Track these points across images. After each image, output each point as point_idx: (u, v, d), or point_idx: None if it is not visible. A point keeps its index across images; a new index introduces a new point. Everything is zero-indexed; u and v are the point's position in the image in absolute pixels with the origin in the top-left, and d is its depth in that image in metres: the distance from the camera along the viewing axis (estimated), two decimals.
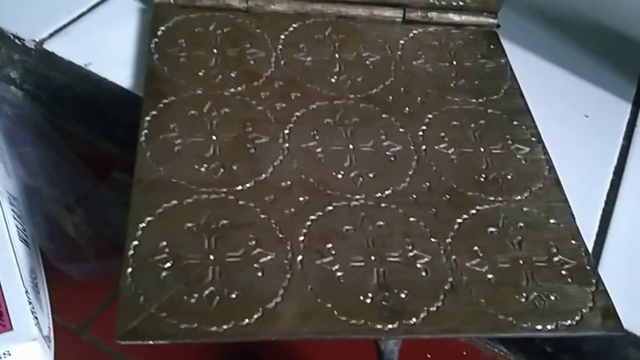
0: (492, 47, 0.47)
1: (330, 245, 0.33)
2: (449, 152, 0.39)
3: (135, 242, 0.31)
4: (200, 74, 0.40)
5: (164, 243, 0.31)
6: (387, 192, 0.36)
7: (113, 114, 0.42)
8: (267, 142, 0.37)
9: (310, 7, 0.46)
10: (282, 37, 0.44)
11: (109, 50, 0.41)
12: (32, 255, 0.35)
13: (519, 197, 0.37)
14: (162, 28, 0.42)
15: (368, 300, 0.31)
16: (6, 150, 0.38)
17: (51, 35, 0.41)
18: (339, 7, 0.46)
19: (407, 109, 0.41)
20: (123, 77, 0.40)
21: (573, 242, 0.35)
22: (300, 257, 0.32)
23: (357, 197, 0.36)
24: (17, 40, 0.41)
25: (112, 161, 0.42)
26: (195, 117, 0.38)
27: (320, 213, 0.34)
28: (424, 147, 0.39)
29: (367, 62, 0.44)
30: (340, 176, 0.37)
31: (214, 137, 0.37)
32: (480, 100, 0.43)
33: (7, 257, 0.32)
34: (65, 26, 0.42)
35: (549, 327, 0.32)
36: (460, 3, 0.47)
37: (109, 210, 0.38)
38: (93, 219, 0.38)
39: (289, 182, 0.36)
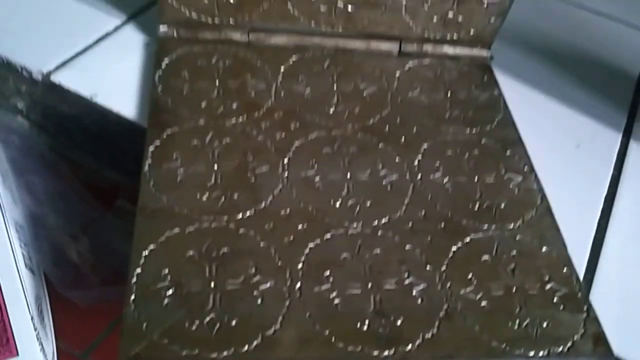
0: (485, 78, 0.48)
1: (328, 273, 0.34)
2: (444, 181, 0.40)
3: (139, 270, 0.32)
4: (203, 105, 0.42)
5: (166, 271, 0.32)
6: (383, 221, 0.37)
7: (118, 144, 0.43)
8: (267, 172, 0.39)
9: (310, 40, 0.47)
10: (282, 69, 0.46)
11: (114, 82, 0.43)
12: (37, 282, 0.36)
13: (512, 226, 0.38)
14: (166, 60, 0.44)
15: (365, 327, 0.32)
16: (13, 180, 0.39)
17: (58, 67, 0.43)
18: (337, 41, 0.48)
19: (403, 138, 0.43)
20: (128, 108, 0.41)
21: (565, 270, 0.36)
22: (298, 285, 0.33)
23: (355, 225, 0.37)
24: (24, 72, 0.43)
25: (116, 190, 0.43)
26: (197, 147, 0.39)
27: (318, 241, 0.35)
28: (419, 176, 0.40)
29: (364, 93, 0.45)
30: (338, 205, 0.38)
31: (215, 167, 0.38)
32: (474, 131, 0.44)
33: (14, 285, 0.33)
34: (72, 58, 0.44)
35: (541, 353, 0.32)
36: (455, 36, 0.48)
37: (112, 238, 0.39)
38: (97, 247, 0.39)
39: (288, 211, 0.37)
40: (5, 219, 0.35)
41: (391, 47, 0.48)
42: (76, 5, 0.48)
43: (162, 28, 0.45)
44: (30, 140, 0.43)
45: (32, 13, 0.47)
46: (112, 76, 0.43)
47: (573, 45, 0.55)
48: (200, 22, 0.45)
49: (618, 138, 0.47)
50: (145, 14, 0.48)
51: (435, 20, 0.47)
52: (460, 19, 0.47)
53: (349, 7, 0.46)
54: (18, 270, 0.34)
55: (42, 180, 0.40)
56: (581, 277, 0.37)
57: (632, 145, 0.46)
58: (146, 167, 0.37)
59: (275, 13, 0.46)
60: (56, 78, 0.42)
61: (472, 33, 0.48)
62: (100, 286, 0.37)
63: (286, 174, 0.39)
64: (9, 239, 0.35)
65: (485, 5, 0.46)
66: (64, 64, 0.43)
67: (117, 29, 0.47)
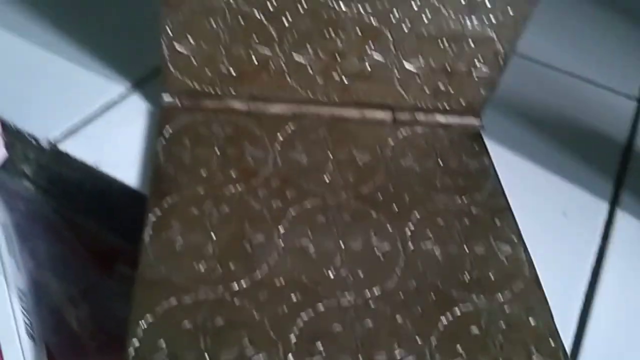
0: (476, 147, 0.50)
1: (320, 345, 0.35)
2: (435, 251, 0.41)
3: (136, 341, 0.33)
4: (203, 173, 0.43)
5: (163, 342, 0.33)
6: (375, 291, 0.38)
7: (120, 210, 0.44)
8: (263, 241, 0.40)
9: (307, 109, 0.49)
10: (280, 137, 0.47)
11: (118, 149, 0.44)
12: (38, 350, 0.37)
13: (500, 297, 0.39)
14: (169, 129, 0.46)
15: None
16: (18, 246, 0.41)
17: (65, 135, 0.45)
18: (333, 109, 0.50)
19: (395, 207, 0.44)
20: (131, 176, 0.43)
21: (551, 342, 0.37)
22: (290, 357, 0.34)
23: (347, 296, 0.38)
24: (32, 140, 0.44)
25: (116, 253, 0.44)
26: (196, 216, 0.40)
27: (311, 312, 0.36)
28: (410, 245, 0.41)
29: (359, 161, 0.47)
30: (331, 275, 0.39)
31: (213, 236, 0.39)
32: (464, 199, 0.45)
33: (15, 353, 0.34)
34: (78, 127, 0.46)
35: None
36: (446, 106, 0.50)
37: (112, 303, 0.40)
38: (96, 312, 0.40)
39: (282, 281, 0.38)
40: (9, 287, 0.37)
41: (385, 115, 0.50)
42: (84, 72, 0.50)
43: (166, 97, 0.47)
44: (35, 204, 0.45)
45: (41, 81, 0.49)
46: (116, 144, 0.45)
47: (562, 112, 0.57)
48: (202, 92, 0.48)
49: (605, 206, 0.48)
50: (150, 81, 0.51)
51: (427, 91, 0.49)
52: (450, 90, 0.49)
53: (344, 79, 0.48)
54: (19, 338, 0.35)
55: (45, 245, 0.42)
56: (568, 348, 0.37)
57: (618, 214, 0.47)
58: (146, 237, 0.38)
59: (273, 84, 0.48)
60: (63, 146, 0.44)
61: (463, 103, 0.50)
62: (98, 353, 0.38)
63: (281, 243, 0.40)
64: (12, 309, 0.36)
65: (475, 79, 0.48)
66: (70, 132, 0.45)
67: (122, 96, 0.49)
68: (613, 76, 0.62)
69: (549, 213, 0.46)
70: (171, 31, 0.44)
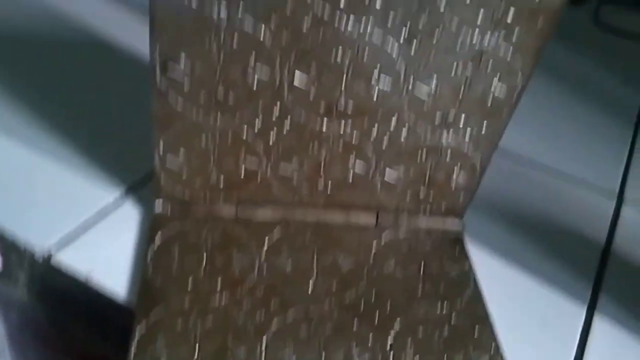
0: (457, 251, 0.51)
1: None
2: None
3: None
4: (189, 283, 0.45)
5: None
6: None
7: (110, 320, 0.46)
8: (245, 356, 0.41)
9: (292, 214, 0.51)
10: (266, 243, 0.49)
11: (111, 259, 0.46)
12: None
13: None
14: (159, 238, 0.48)
15: None
16: (10, 357, 0.42)
17: (59, 247, 0.46)
18: (319, 213, 0.51)
19: (377, 316, 0.45)
20: (122, 286, 0.44)
21: None
22: None
23: None
24: (27, 251, 0.46)
25: None
26: (181, 330, 0.42)
27: None
28: (391, 358, 0.42)
29: (342, 268, 0.49)
30: None
31: (196, 352, 0.41)
32: (444, 306, 0.47)
33: None
34: (72, 236, 0.47)
35: None
36: (427, 210, 0.52)
37: None
38: None
39: None
40: None
41: (368, 218, 0.52)
42: (78, 178, 0.52)
43: (157, 206, 0.49)
44: (28, 312, 0.46)
45: (35, 187, 0.51)
46: (109, 253, 0.47)
47: (541, 211, 0.58)
48: (192, 201, 0.50)
49: (582, 312, 0.49)
50: (144, 186, 0.53)
51: (408, 198, 0.51)
52: (430, 197, 0.51)
53: (329, 188, 0.50)
54: None
55: (36, 355, 0.43)
56: None
57: (596, 319, 0.48)
58: (132, 354, 0.40)
59: (260, 192, 0.50)
60: (57, 256, 0.46)
61: (443, 209, 0.52)
62: None
63: (263, 358, 0.41)
64: None
65: (453, 188, 0.50)
66: (65, 241, 0.47)
67: (116, 203, 0.51)
68: (592, 172, 0.64)
69: (527, 321, 0.47)
70: (163, 146, 0.47)
